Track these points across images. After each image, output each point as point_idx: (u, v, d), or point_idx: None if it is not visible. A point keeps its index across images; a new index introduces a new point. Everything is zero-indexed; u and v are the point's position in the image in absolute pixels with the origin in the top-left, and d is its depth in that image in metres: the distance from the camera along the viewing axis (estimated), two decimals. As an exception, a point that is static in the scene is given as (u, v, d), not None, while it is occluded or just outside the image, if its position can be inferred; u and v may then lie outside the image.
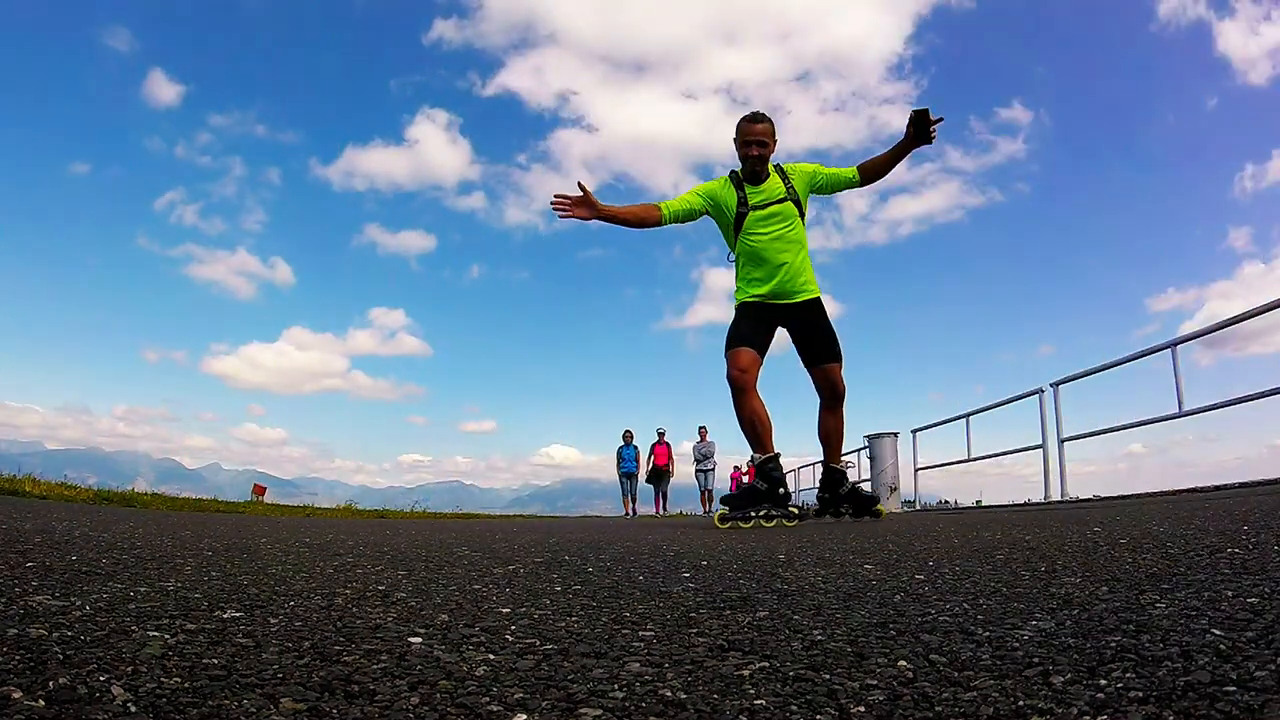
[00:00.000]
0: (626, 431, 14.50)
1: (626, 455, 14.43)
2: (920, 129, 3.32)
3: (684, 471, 14.93)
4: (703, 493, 14.70)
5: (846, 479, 3.79)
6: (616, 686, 0.70)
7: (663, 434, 14.62)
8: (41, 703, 0.58)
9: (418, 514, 9.44)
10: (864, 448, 12.47)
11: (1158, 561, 1.40)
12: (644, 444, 14.70)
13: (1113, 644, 0.79)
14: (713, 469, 14.89)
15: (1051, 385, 8.06)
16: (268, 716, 0.59)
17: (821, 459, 3.84)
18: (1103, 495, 7.22)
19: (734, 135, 3.53)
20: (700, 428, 15.11)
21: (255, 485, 12.40)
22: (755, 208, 3.46)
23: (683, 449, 15.19)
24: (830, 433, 3.71)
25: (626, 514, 13.91)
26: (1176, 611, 0.93)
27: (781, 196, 3.48)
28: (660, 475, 14.36)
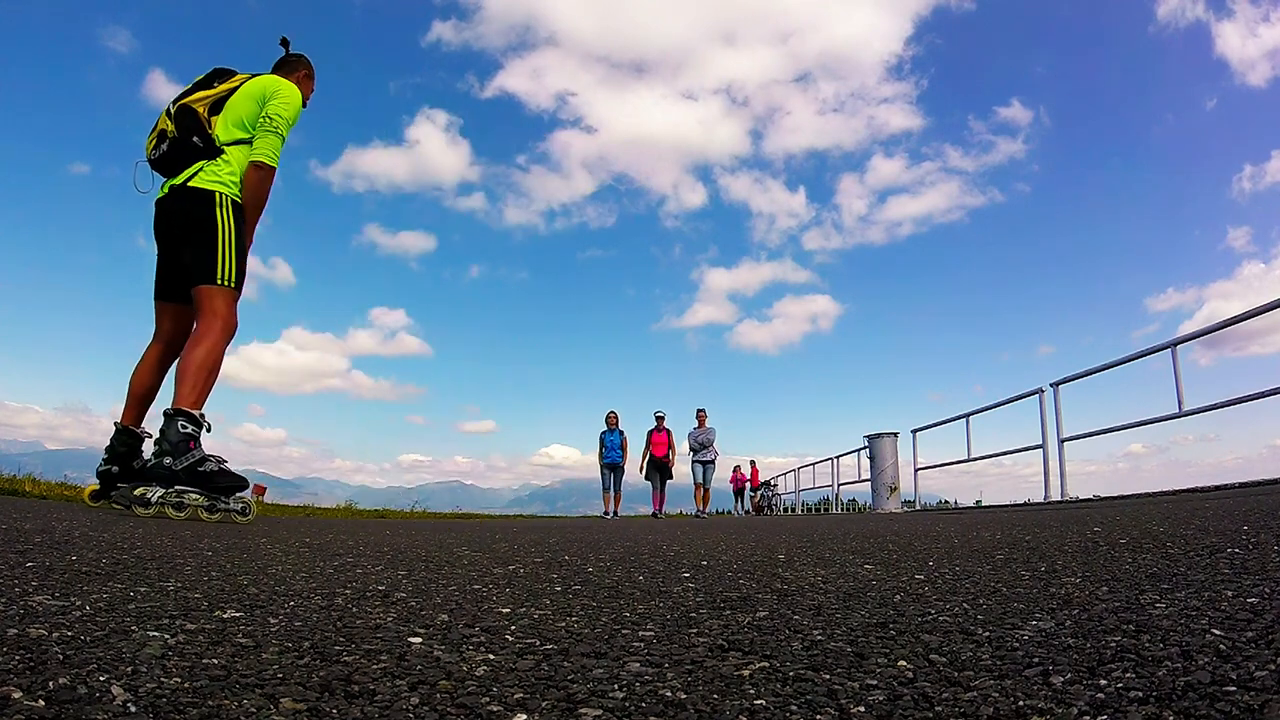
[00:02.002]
0: (610, 414, 12.10)
1: (610, 443, 11.96)
2: None
3: (680, 467, 12.45)
4: (699, 489, 12.35)
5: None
6: (616, 686, 0.70)
7: (662, 419, 12.30)
8: (41, 703, 0.58)
9: (418, 514, 9.44)
10: (864, 448, 12.47)
11: (1158, 561, 1.40)
12: (631, 431, 12.31)
13: (1113, 644, 0.79)
14: (713, 460, 12.49)
15: (1051, 385, 8.07)
16: (268, 716, 0.59)
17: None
18: (1103, 495, 7.23)
19: (306, 70, 3.44)
20: (698, 411, 12.63)
21: (255, 485, 12.40)
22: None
23: (681, 448, 12.60)
24: (153, 389, 3.14)
25: (606, 513, 11.63)
26: (1176, 611, 0.93)
27: None
28: (660, 468, 12.11)
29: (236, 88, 3.17)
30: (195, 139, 3.08)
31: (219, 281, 2.96)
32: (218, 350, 2.94)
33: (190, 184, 3.01)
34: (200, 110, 3.11)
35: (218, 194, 3.01)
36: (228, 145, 3.09)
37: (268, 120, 3.09)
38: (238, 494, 2.96)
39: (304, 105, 3.36)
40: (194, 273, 2.98)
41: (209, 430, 2.91)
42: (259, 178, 3.08)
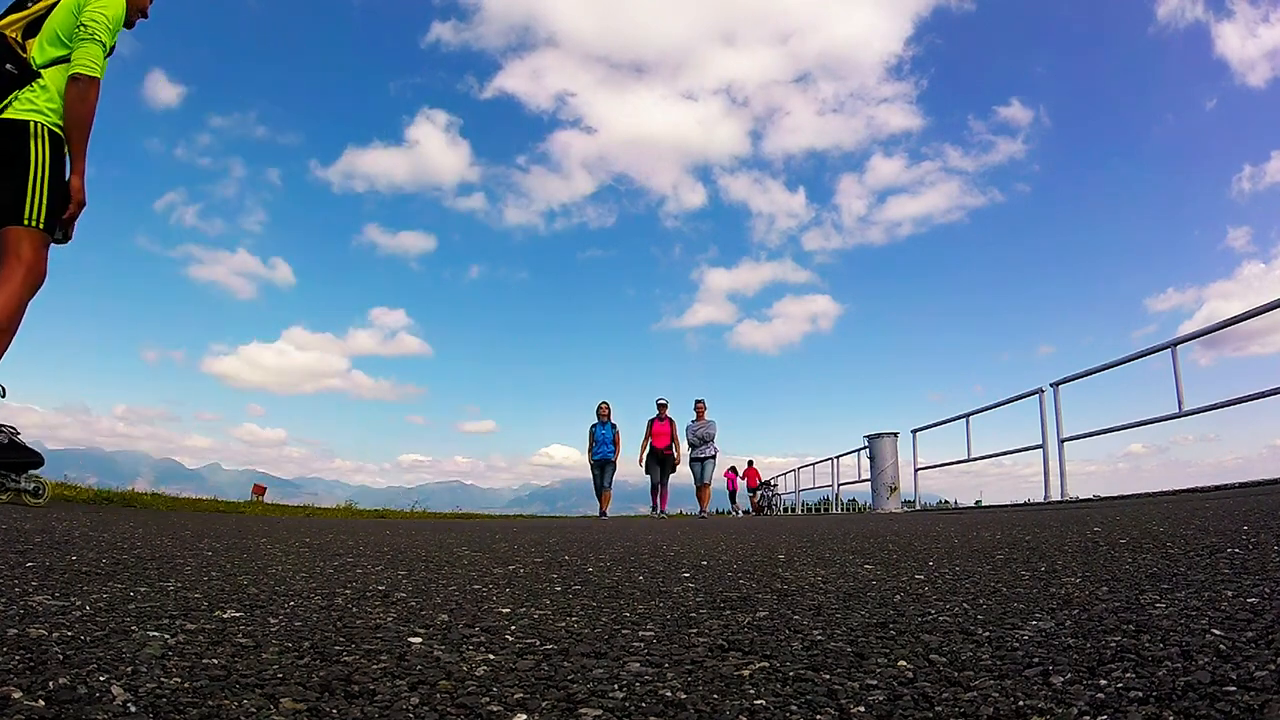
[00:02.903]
0: (601, 405, 10.68)
1: (601, 436, 10.61)
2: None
3: (679, 465, 10.81)
4: (700, 487, 11.02)
5: None
6: (616, 686, 0.70)
7: (664, 407, 10.86)
8: (41, 703, 0.58)
9: (418, 514, 9.44)
10: (864, 448, 12.47)
11: (1158, 561, 1.40)
12: (627, 428, 10.93)
13: (1113, 644, 0.79)
14: (713, 456, 11.20)
15: (1051, 385, 8.07)
16: (268, 716, 0.59)
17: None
18: (1103, 495, 7.22)
19: None
20: (697, 402, 11.27)
21: (255, 485, 12.39)
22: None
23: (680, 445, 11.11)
24: None
25: (601, 513, 10.47)
26: (1176, 611, 0.93)
27: None
28: (662, 461, 10.73)
29: (55, 4, 2.82)
30: (8, 66, 2.72)
31: (25, 222, 2.60)
32: (17, 300, 2.56)
33: (3, 116, 2.68)
34: (12, 34, 2.77)
35: (32, 124, 2.68)
36: (45, 67, 2.75)
37: (83, 28, 2.74)
38: (30, 471, 2.63)
39: (145, 15, 3.03)
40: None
41: (3, 395, 2.54)
42: (77, 91, 2.72)
